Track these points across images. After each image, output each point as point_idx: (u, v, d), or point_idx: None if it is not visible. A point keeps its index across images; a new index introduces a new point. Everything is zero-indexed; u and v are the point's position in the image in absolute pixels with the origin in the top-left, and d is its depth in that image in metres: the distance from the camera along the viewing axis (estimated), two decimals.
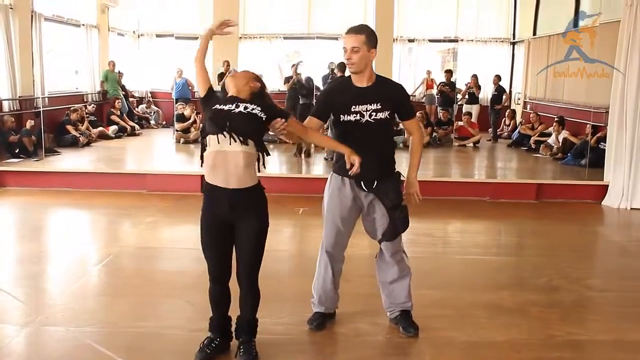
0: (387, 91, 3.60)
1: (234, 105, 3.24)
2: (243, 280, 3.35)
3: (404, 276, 3.82)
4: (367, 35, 3.49)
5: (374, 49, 3.53)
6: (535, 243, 6.31)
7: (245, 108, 3.23)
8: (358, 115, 3.54)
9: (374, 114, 3.54)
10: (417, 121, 3.86)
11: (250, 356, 3.36)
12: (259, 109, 3.24)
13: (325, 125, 4.01)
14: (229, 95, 3.35)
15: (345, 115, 3.56)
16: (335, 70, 13.13)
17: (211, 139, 3.19)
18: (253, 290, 3.37)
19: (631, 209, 7.70)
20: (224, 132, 3.15)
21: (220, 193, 3.22)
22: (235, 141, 3.14)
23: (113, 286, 4.79)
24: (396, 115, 3.74)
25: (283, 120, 3.29)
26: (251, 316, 3.40)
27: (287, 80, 13.67)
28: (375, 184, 3.62)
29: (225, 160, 3.18)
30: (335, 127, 3.71)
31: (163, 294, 4.42)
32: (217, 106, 3.26)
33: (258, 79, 3.43)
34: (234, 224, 3.27)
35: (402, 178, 3.75)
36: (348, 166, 3.32)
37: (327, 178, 3.83)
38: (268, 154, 3.29)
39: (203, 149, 3.26)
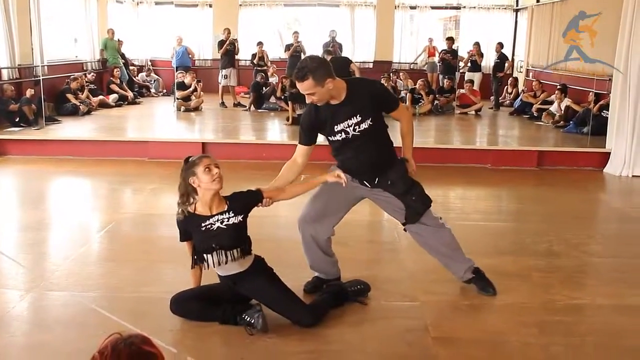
0: (361, 98, 3.48)
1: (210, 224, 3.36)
2: None
3: (454, 249, 3.87)
4: (312, 77, 3.28)
5: (329, 78, 3.33)
6: (536, 209, 6.32)
7: (222, 222, 3.33)
8: (343, 133, 3.52)
9: (357, 127, 3.49)
10: (402, 108, 3.78)
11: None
12: (232, 214, 3.36)
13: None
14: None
15: (332, 137, 3.57)
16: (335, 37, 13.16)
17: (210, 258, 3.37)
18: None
19: (633, 176, 7.69)
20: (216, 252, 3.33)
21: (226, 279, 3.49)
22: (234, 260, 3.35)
23: (116, 252, 4.81)
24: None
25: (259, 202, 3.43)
26: None
27: (287, 47, 13.59)
28: (377, 180, 3.64)
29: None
30: (329, 143, 3.70)
31: (165, 260, 4.44)
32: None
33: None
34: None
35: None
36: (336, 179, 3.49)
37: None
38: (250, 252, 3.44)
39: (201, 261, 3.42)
